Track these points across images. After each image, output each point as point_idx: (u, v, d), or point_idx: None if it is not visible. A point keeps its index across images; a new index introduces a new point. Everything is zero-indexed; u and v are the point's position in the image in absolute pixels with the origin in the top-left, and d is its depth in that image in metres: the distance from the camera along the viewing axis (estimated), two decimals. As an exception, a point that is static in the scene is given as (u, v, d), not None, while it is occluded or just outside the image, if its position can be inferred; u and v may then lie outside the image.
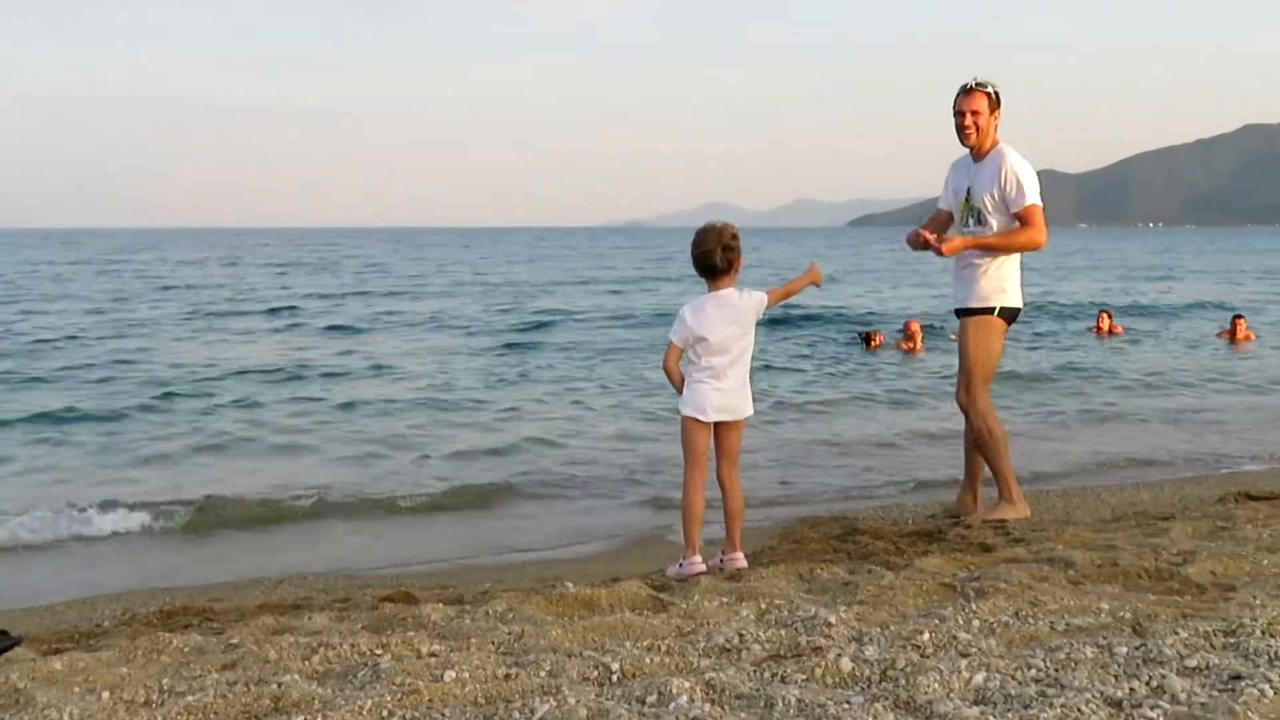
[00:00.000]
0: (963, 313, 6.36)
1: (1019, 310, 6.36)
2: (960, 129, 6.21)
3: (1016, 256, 6.25)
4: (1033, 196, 6.07)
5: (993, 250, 6.15)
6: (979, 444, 6.39)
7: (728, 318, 5.29)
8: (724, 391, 5.31)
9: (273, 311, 26.07)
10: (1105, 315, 20.72)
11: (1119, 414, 11.49)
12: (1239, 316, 19.93)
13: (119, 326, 22.18)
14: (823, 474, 8.55)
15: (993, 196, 6.14)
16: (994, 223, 6.16)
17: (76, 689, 3.37)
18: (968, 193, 6.28)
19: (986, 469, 6.48)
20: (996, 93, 6.19)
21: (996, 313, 6.23)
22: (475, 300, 30.13)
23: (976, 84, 6.18)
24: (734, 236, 5.28)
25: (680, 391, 5.42)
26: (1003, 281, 6.21)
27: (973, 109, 6.16)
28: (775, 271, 39.62)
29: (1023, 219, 6.09)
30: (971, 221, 6.27)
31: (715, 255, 5.25)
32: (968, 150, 6.31)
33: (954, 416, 6.80)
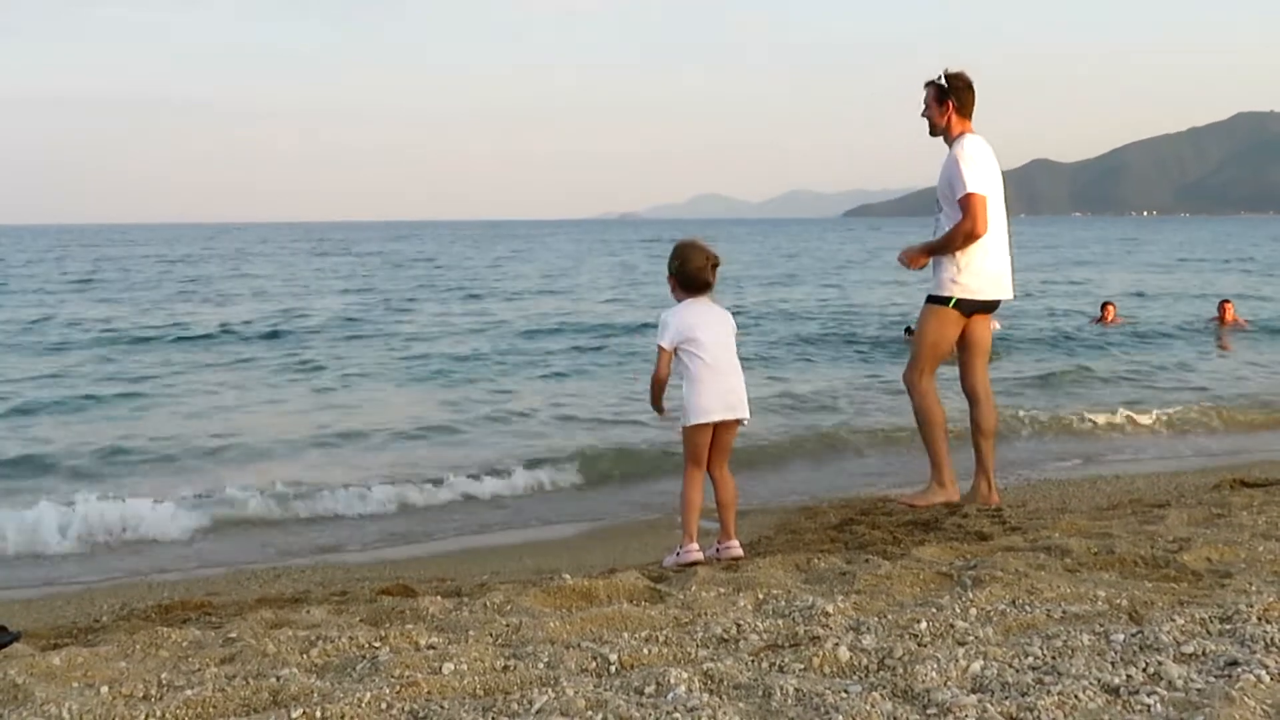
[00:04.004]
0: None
1: (982, 302, 6.41)
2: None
3: (975, 246, 6.29)
4: (971, 185, 6.19)
5: (943, 250, 6.32)
6: (917, 424, 6.61)
7: (714, 319, 5.34)
8: (723, 390, 5.28)
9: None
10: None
11: None
12: (1226, 301, 20.16)
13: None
14: (822, 465, 8.56)
15: (942, 187, 6.36)
16: (945, 211, 6.37)
17: (75, 684, 3.37)
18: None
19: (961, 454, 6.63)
20: (941, 85, 6.35)
21: (952, 304, 6.37)
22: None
23: (930, 80, 6.41)
24: (715, 255, 5.36)
25: (660, 410, 5.44)
26: (955, 273, 6.34)
27: (923, 101, 6.40)
28: (785, 257, 38.48)
29: (959, 209, 6.25)
30: (936, 210, 6.49)
31: (707, 273, 5.31)
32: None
33: (960, 410, 6.85)
